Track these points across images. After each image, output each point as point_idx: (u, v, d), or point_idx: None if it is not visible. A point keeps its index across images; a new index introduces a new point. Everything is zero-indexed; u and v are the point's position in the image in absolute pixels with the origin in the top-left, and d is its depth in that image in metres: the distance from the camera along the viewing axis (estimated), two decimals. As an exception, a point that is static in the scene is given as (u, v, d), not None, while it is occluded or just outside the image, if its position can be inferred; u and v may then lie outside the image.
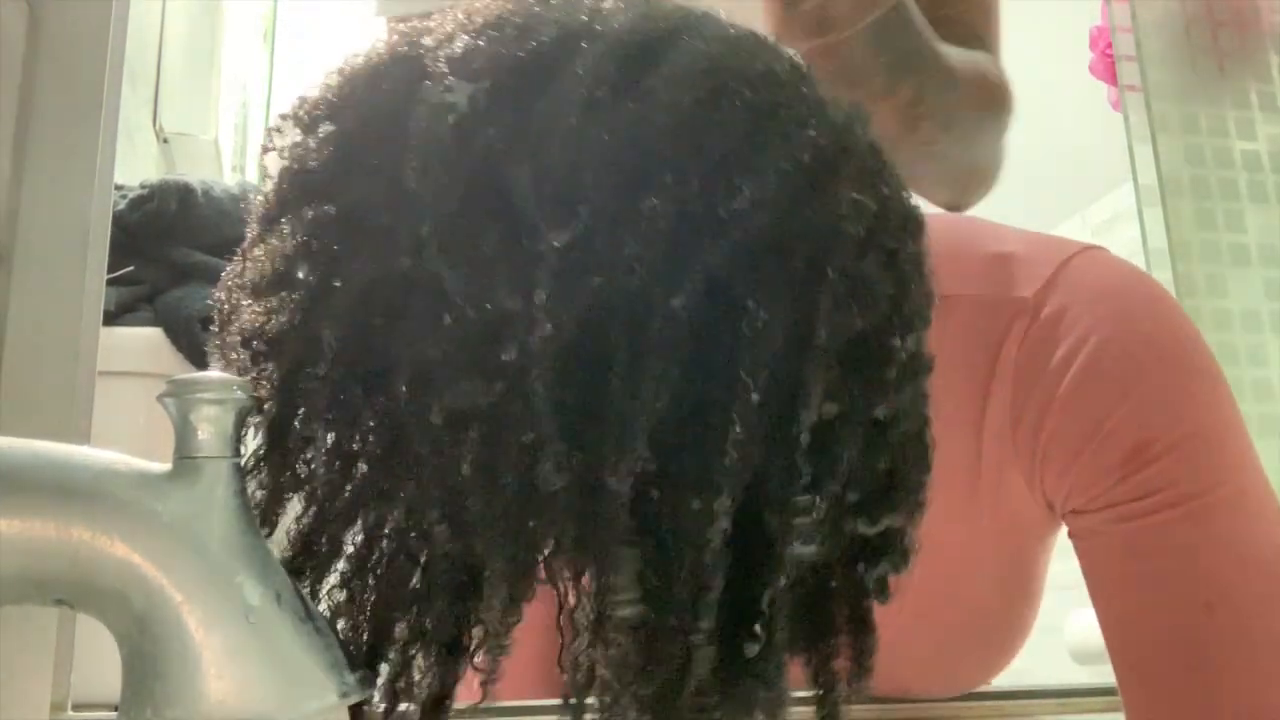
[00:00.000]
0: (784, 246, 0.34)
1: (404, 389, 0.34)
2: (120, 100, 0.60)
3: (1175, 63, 1.42)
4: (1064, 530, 0.58)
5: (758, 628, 0.35)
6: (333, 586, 0.37)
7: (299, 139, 0.40)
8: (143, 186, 1.29)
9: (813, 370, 0.34)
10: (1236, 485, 0.53)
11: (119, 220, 1.19)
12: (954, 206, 0.78)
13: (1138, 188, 1.40)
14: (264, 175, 0.41)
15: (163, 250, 1.25)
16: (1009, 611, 0.65)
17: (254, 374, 0.37)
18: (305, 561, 0.36)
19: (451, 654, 0.36)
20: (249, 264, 0.39)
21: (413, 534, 0.35)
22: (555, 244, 0.33)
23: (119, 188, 1.21)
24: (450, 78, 0.36)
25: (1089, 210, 2.17)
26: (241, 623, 0.31)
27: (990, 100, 0.74)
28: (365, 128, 0.38)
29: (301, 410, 0.36)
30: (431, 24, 0.40)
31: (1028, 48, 1.09)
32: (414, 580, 0.36)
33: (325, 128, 0.39)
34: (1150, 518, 0.51)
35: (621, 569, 0.35)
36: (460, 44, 0.37)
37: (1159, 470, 0.51)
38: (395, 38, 0.40)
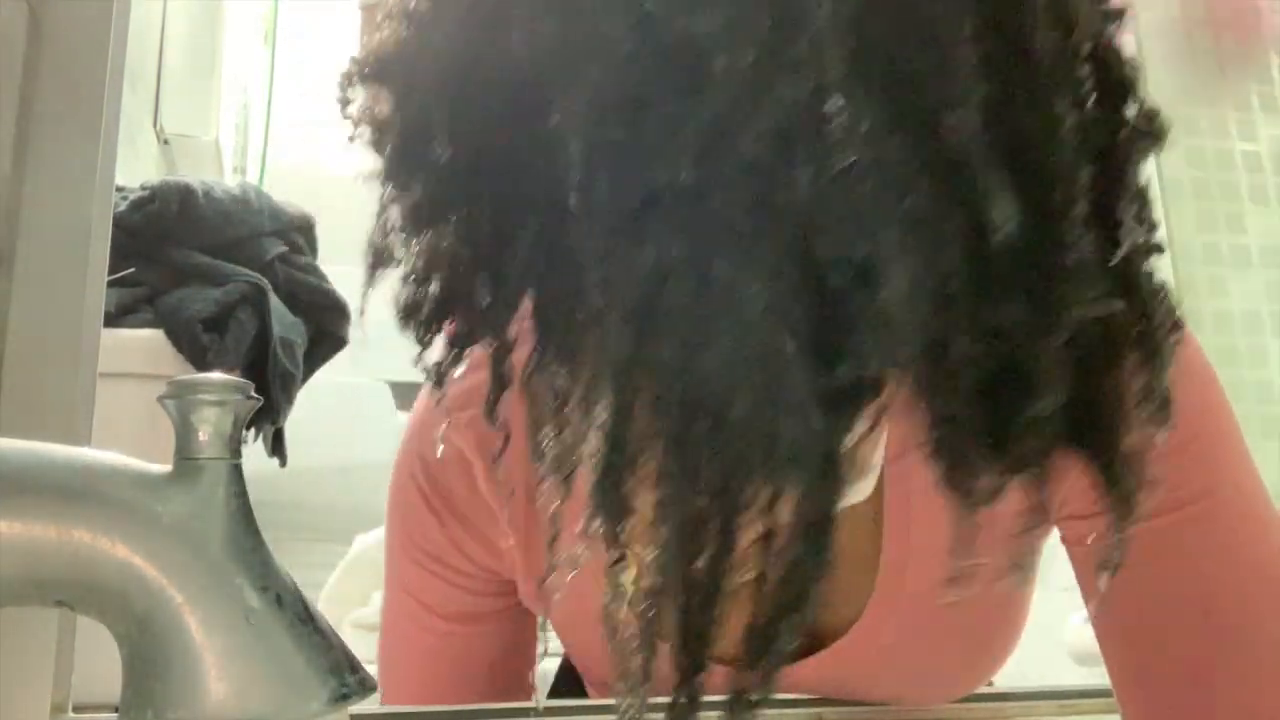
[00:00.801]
0: None
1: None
2: (121, 101, 0.60)
3: (1176, 64, 1.42)
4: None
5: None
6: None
7: None
8: (143, 188, 1.29)
9: None
10: (1234, 488, 0.53)
11: (120, 221, 1.19)
12: None
13: (1138, 189, 1.40)
14: None
15: (163, 251, 1.25)
16: (1004, 617, 0.65)
17: None
18: None
19: None
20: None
21: None
22: None
23: (120, 189, 1.21)
24: None
25: (1089, 211, 2.17)
26: (242, 624, 0.31)
27: None
28: None
29: None
30: None
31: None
32: None
33: None
34: (1148, 523, 0.51)
35: None
36: None
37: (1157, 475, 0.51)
38: None
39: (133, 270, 1.20)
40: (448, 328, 0.42)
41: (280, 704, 0.31)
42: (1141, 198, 0.40)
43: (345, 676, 0.33)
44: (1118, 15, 0.41)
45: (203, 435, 0.33)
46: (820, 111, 0.32)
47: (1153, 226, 0.40)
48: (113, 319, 1.17)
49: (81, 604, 0.32)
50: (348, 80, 0.42)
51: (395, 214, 0.41)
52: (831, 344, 0.34)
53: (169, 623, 0.31)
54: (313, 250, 1.40)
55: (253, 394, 0.34)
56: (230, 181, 1.90)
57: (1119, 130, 0.39)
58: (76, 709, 0.56)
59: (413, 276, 0.42)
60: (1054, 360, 0.36)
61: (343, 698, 0.32)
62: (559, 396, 0.38)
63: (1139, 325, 0.40)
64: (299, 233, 1.38)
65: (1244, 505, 0.53)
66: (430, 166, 0.39)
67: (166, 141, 1.96)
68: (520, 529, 0.63)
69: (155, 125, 1.92)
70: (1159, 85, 1.40)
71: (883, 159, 0.33)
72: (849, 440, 0.36)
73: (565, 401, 0.38)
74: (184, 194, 1.27)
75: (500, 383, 0.42)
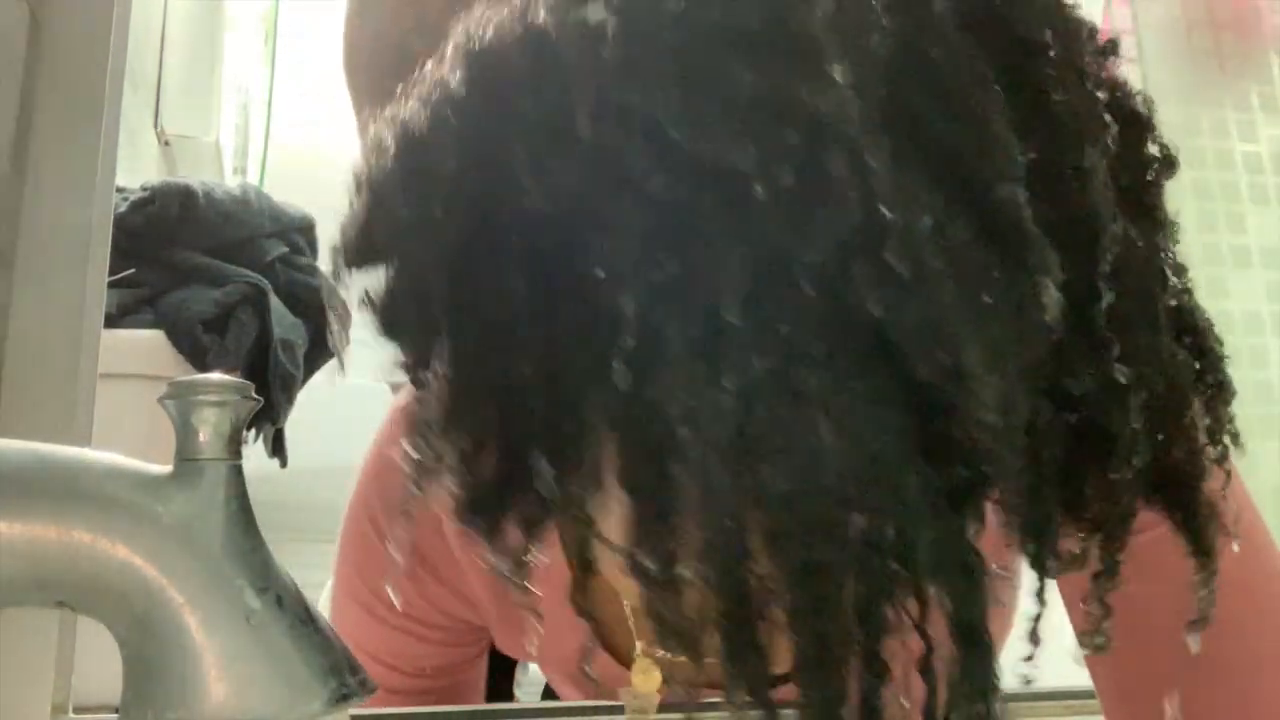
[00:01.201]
0: None
1: None
2: (121, 102, 0.60)
3: (1176, 65, 1.42)
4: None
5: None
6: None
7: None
8: (144, 189, 1.29)
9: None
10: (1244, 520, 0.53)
11: (120, 222, 1.19)
12: None
13: (1139, 190, 1.40)
14: None
15: (164, 252, 1.25)
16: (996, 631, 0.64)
17: None
18: None
19: None
20: None
21: None
22: None
23: (120, 190, 1.21)
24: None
25: (1090, 212, 2.17)
26: (242, 625, 0.31)
27: None
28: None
29: None
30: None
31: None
32: None
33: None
34: (1136, 537, 0.51)
35: None
36: None
37: None
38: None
39: (133, 271, 1.20)
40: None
41: (280, 705, 0.31)
42: (1173, 226, 0.40)
43: (345, 677, 0.33)
44: (1112, 49, 0.40)
45: (203, 436, 0.33)
46: (871, 218, 0.31)
47: (1177, 243, 0.40)
48: (113, 320, 1.17)
49: (82, 605, 0.32)
50: (343, 259, 0.39)
51: (430, 407, 0.37)
52: (940, 439, 0.32)
53: (169, 623, 0.31)
54: (313, 251, 1.40)
55: (253, 395, 0.34)
56: (231, 182, 1.91)
57: (1146, 168, 0.39)
58: (77, 710, 0.56)
59: (464, 470, 0.38)
60: (1131, 418, 0.35)
61: (343, 698, 0.32)
62: (665, 559, 0.34)
63: (1200, 362, 0.39)
64: (299, 234, 1.38)
65: (1235, 518, 0.54)
66: (457, 348, 0.36)
67: (167, 142, 1.96)
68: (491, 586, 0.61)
69: (156, 126, 1.92)
70: (1159, 85, 1.40)
71: (942, 254, 0.31)
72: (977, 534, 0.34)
73: (673, 562, 0.34)
74: (184, 195, 1.27)
75: (586, 567, 0.38)
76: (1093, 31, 0.39)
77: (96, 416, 0.57)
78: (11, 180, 0.56)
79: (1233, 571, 0.53)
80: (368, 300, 0.39)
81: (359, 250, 0.39)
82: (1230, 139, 1.42)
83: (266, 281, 1.27)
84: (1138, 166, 0.39)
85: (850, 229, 0.31)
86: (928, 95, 0.33)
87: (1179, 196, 1.41)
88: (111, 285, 0.61)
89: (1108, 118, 0.36)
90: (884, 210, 0.31)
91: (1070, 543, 0.37)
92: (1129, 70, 1.54)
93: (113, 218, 0.60)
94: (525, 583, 0.39)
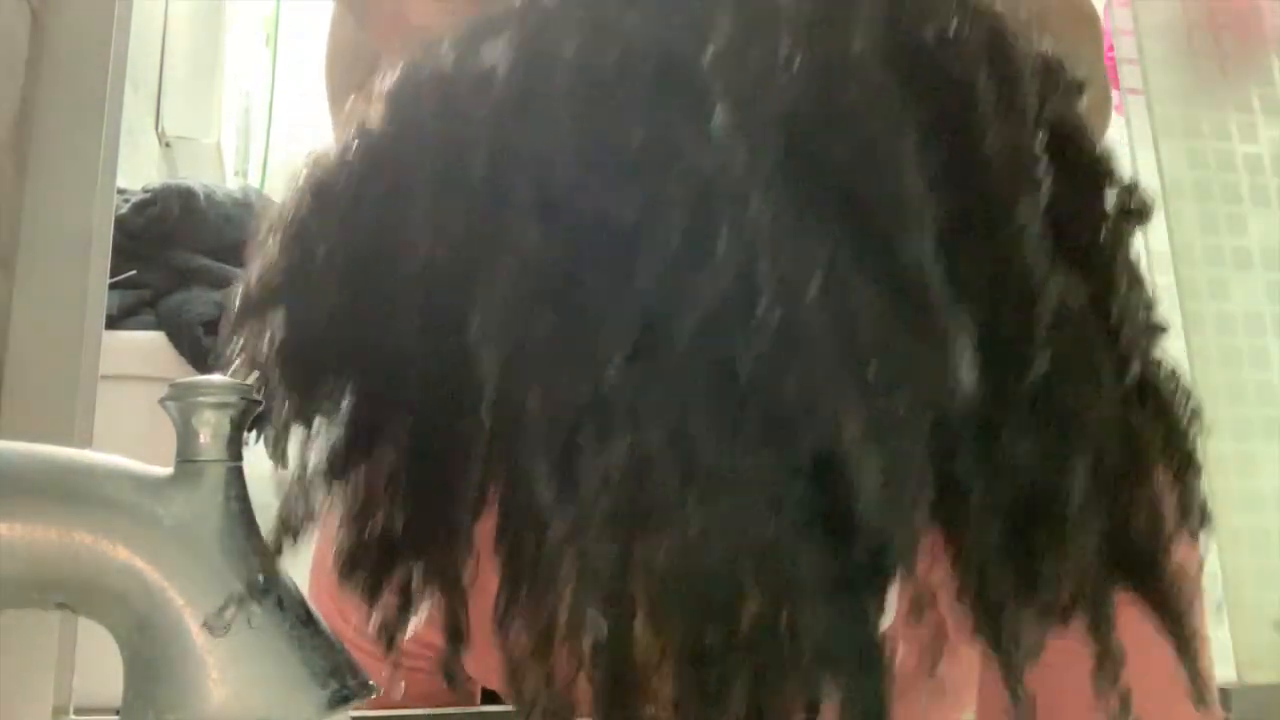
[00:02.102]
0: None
1: None
2: (122, 103, 0.60)
3: (1177, 66, 1.42)
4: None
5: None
6: None
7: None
8: (145, 190, 1.29)
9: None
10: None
11: (121, 224, 1.19)
12: None
13: (1140, 191, 1.40)
14: None
15: (165, 254, 1.25)
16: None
17: None
18: None
19: None
20: None
21: None
22: None
23: (121, 191, 1.21)
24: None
25: (1091, 214, 2.17)
26: (243, 626, 0.31)
27: (1071, 13, 0.67)
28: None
29: None
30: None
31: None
32: None
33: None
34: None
35: None
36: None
37: None
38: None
39: (134, 272, 1.20)
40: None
41: (281, 706, 0.31)
42: (1138, 284, 0.36)
43: (346, 679, 0.33)
44: (1079, 89, 0.37)
45: (204, 437, 0.33)
46: (751, 280, 0.29)
47: (1150, 306, 0.37)
48: (114, 321, 1.17)
49: (83, 606, 0.32)
50: (240, 313, 0.37)
51: (314, 457, 0.35)
52: (839, 517, 0.29)
53: (170, 624, 0.31)
54: (314, 253, 1.40)
55: (254, 396, 0.34)
56: (232, 184, 1.91)
57: (1101, 222, 0.36)
58: (78, 711, 0.56)
59: (348, 524, 0.35)
60: (1080, 489, 0.32)
61: (343, 700, 0.32)
62: (542, 634, 0.31)
63: (1163, 430, 0.36)
64: (300, 235, 1.38)
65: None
66: (355, 397, 0.34)
67: (168, 144, 1.95)
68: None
69: (157, 128, 1.92)
70: (1160, 87, 1.40)
71: (829, 317, 0.29)
72: (885, 623, 0.31)
73: (549, 639, 0.31)
74: (185, 196, 1.27)
75: (457, 638, 0.35)
76: (1051, 69, 0.36)
77: (97, 418, 0.57)
78: (13, 181, 0.56)
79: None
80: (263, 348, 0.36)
81: (255, 296, 0.36)
82: (1231, 140, 1.42)
83: (267, 283, 1.27)
84: (1091, 219, 0.36)
85: (730, 290, 0.29)
86: (834, 142, 0.31)
87: (1180, 198, 1.42)
88: (112, 287, 0.61)
89: (1057, 165, 0.33)
90: (765, 270, 0.29)
91: (1042, 628, 0.33)
92: (1129, 71, 1.54)
93: (114, 219, 0.60)
94: (394, 647, 0.35)
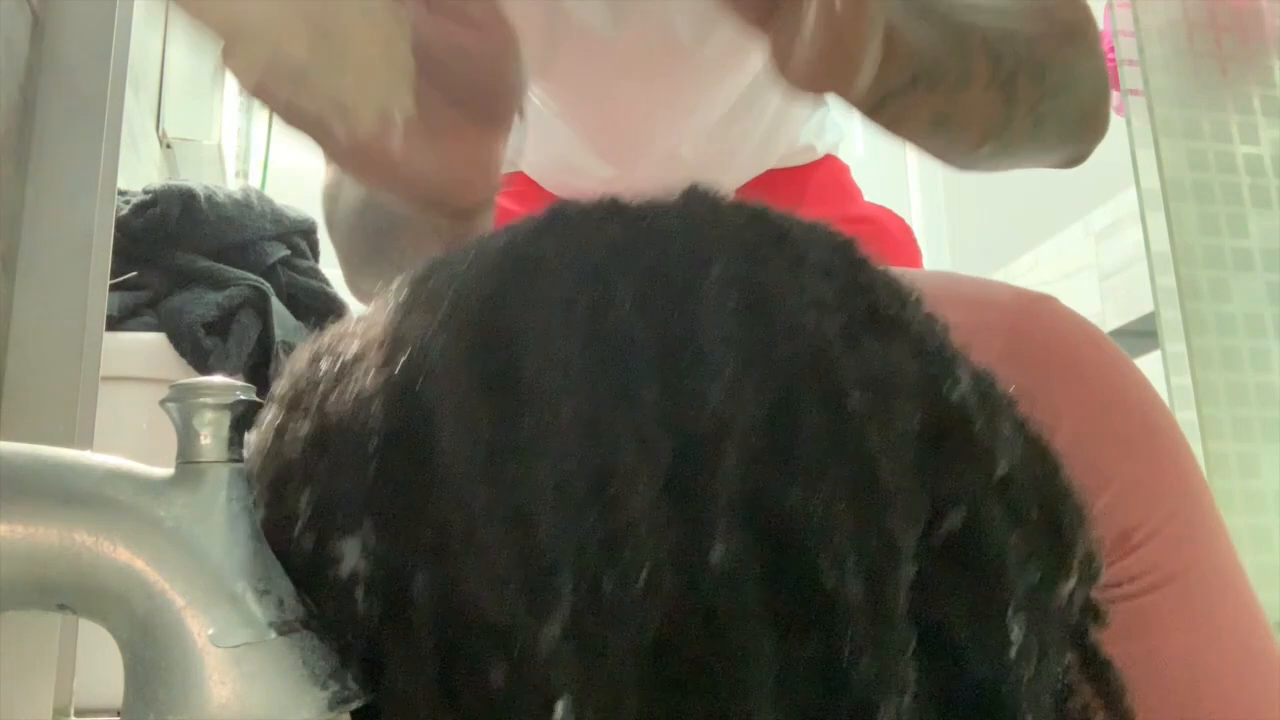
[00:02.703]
0: None
1: None
2: (123, 105, 0.60)
3: (1178, 67, 1.42)
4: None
5: None
6: None
7: None
8: (146, 192, 1.29)
9: None
10: (1210, 562, 0.54)
11: (122, 226, 1.19)
12: (1078, 159, 0.71)
13: (1140, 192, 1.40)
14: None
15: (166, 256, 1.25)
16: None
17: None
18: None
19: None
20: None
21: None
22: None
23: (122, 193, 1.21)
24: None
25: (1091, 216, 2.17)
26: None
27: (1065, 24, 0.66)
28: None
29: None
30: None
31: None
32: None
33: None
34: (1137, 600, 0.51)
35: None
36: None
37: (1141, 556, 0.51)
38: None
39: (135, 274, 1.21)
40: None
41: (281, 708, 0.31)
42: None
43: (346, 680, 0.33)
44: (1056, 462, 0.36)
45: (204, 439, 0.33)
46: None
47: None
48: (115, 323, 1.17)
49: (83, 608, 0.32)
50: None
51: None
52: None
53: (170, 626, 0.31)
54: (314, 254, 1.40)
55: (255, 397, 0.34)
56: (233, 185, 1.91)
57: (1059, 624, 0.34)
58: (78, 712, 0.56)
59: None
60: None
61: (343, 701, 0.32)
62: None
63: None
64: (301, 236, 1.38)
65: (1222, 580, 0.54)
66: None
67: (169, 146, 1.96)
68: None
69: (158, 129, 1.92)
70: (1161, 88, 1.40)
71: None
72: None
73: None
74: (186, 198, 1.28)
75: None
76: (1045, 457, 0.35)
77: (98, 419, 0.57)
78: (14, 183, 0.56)
79: (1228, 625, 0.53)
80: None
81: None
82: (1232, 142, 1.42)
83: (268, 284, 1.27)
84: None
85: None
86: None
87: (1181, 199, 1.41)
88: (113, 288, 0.61)
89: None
90: None
91: None
92: (1130, 72, 1.54)
93: (114, 221, 0.60)
94: None
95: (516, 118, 0.49)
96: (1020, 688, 0.31)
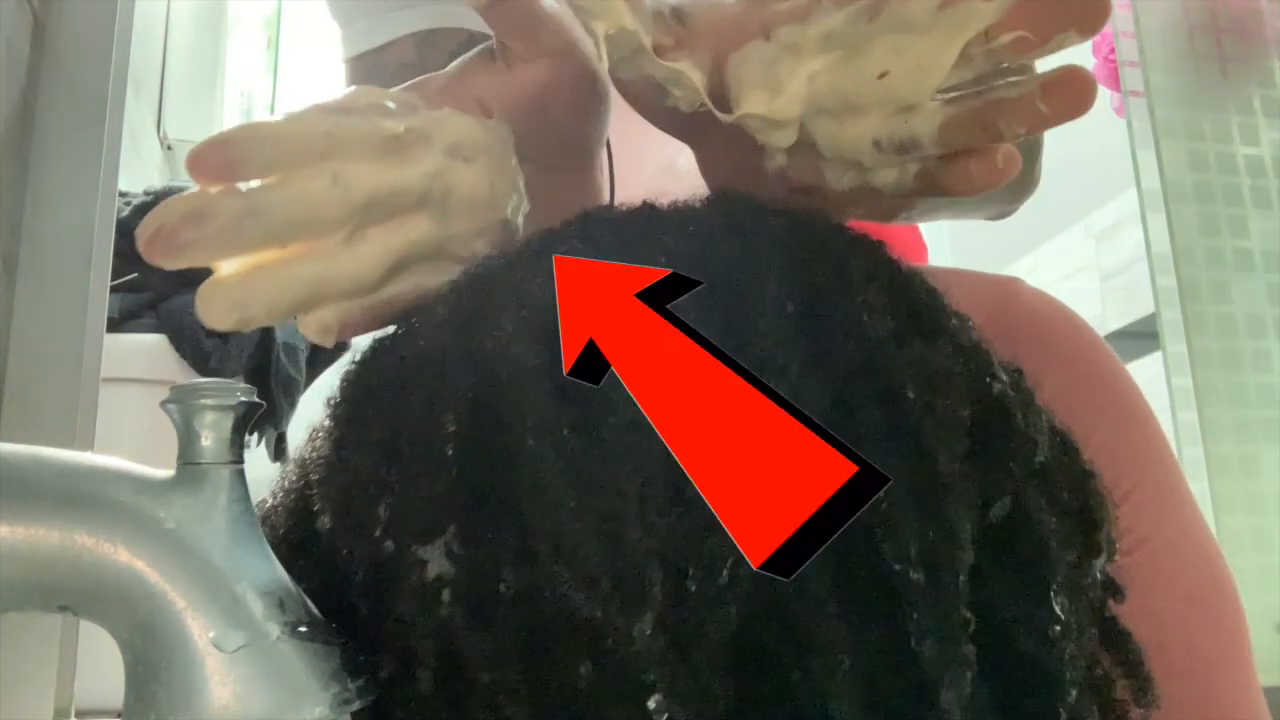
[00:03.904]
0: None
1: None
2: (124, 107, 0.60)
3: (1178, 68, 1.42)
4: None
5: None
6: None
7: None
8: (147, 193, 1.29)
9: None
10: (1177, 525, 0.55)
11: (123, 227, 1.19)
12: (1006, 215, 0.74)
13: (1141, 193, 1.40)
14: None
15: (166, 256, 1.25)
16: None
17: None
18: None
19: None
20: None
21: None
22: None
23: (123, 194, 1.21)
24: None
25: (1092, 216, 2.17)
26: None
27: None
28: None
29: None
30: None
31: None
32: None
33: None
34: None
35: None
36: None
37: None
38: None
39: (135, 275, 1.21)
40: None
41: (282, 709, 0.31)
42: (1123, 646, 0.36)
43: (347, 682, 0.33)
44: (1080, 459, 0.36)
45: (205, 440, 0.33)
46: None
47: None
48: (116, 324, 1.17)
49: (84, 609, 0.32)
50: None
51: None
52: None
53: (171, 627, 0.31)
54: (315, 255, 1.40)
55: (255, 398, 0.34)
56: (233, 186, 1.90)
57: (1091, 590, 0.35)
58: (79, 714, 0.56)
59: None
60: None
61: (345, 702, 0.32)
62: None
63: None
64: (302, 238, 1.38)
65: (1191, 543, 0.55)
66: None
67: (170, 147, 1.96)
68: None
69: (159, 131, 1.92)
70: (1161, 89, 1.40)
71: None
72: None
73: None
74: (187, 199, 1.28)
75: None
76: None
77: (99, 420, 0.57)
78: (14, 184, 0.56)
79: (1197, 587, 0.53)
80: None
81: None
82: (1232, 143, 1.42)
83: (269, 285, 1.27)
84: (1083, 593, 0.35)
85: None
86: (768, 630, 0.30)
87: (1182, 200, 1.41)
88: (114, 289, 0.61)
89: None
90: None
91: None
92: (1130, 73, 1.54)
93: (115, 222, 0.60)
94: None
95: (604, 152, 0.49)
96: (1064, 662, 0.32)
